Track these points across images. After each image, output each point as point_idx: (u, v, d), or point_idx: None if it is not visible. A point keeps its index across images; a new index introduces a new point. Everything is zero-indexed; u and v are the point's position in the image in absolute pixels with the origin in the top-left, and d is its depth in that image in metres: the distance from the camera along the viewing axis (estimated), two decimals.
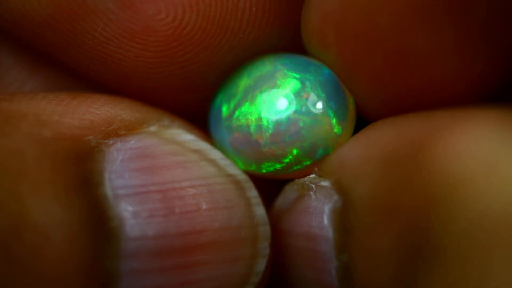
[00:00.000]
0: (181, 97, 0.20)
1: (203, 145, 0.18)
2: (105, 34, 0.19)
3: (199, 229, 0.17)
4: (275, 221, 0.19)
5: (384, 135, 0.18)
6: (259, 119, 0.19)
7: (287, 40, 0.20)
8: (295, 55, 0.20)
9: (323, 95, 0.19)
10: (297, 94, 0.19)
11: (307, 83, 0.19)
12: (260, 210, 0.18)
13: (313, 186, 0.19)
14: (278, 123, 0.19)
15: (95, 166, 0.17)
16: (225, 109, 0.20)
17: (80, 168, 0.17)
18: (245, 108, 0.19)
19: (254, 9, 0.19)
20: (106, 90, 0.20)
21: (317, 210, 0.18)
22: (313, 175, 0.19)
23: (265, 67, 0.20)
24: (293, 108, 0.19)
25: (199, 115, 0.21)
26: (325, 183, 0.19)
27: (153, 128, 0.18)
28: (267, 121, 0.19)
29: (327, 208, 0.18)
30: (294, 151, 0.19)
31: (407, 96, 0.18)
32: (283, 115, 0.19)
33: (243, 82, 0.20)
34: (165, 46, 0.19)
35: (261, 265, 0.18)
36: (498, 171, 0.15)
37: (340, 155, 0.19)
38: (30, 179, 0.16)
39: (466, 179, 0.15)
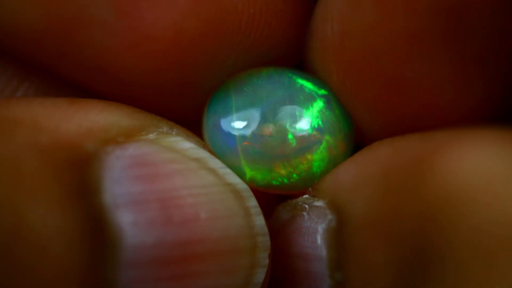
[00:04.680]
0: (181, 103, 0.20)
1: (203, 153, 0.18)
2: (103, 44, 0.18)
3: (197, 238, 0.17)
4: None
5: (381, 153, 0.18)
6: (283, 132, 0.19)
7: (286, 43, 0.20)
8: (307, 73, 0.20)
9: (342, 114, 0.19)
10: (322, 111, 0.19)
11: (330, 102, 0.19)
12: (259, 220, 0.18)
13: (306, 206, 0.19)
14: (302, 140, 0.19)
15: (93, 174, 0.17)
16: (238, 117, 0.19)
17: (79, 176, 0.17)
18: (267, 121, 0.19)
19: (252, 10, 0.19)
20: (103, 98, 0.20)
21: (310, 230, 0.18)
22: (306, 196, 0.19)
23: (285, 80, 0.19)
24: (316, 125, 0.19)
25: (199, 121, 0.20)
26: (319, 203, 0.19)
27: (151, 136, 0.18)
28: (292, 135, 0.19)
29: (320, 228, 0.18)
30: (311, 170, 0.19)
31: (404, 122, 0.18)
32: (308, 132, 0.19)
33: (262, 92, 0.19)
34: (165, 53, 0.18)
35: (260, 275, 0.18)
36: (501, 186, 0.15)
37: (335, 175, 0.19)
38: (27, 187, 0.16)
39: (469, 192, 0.15)
